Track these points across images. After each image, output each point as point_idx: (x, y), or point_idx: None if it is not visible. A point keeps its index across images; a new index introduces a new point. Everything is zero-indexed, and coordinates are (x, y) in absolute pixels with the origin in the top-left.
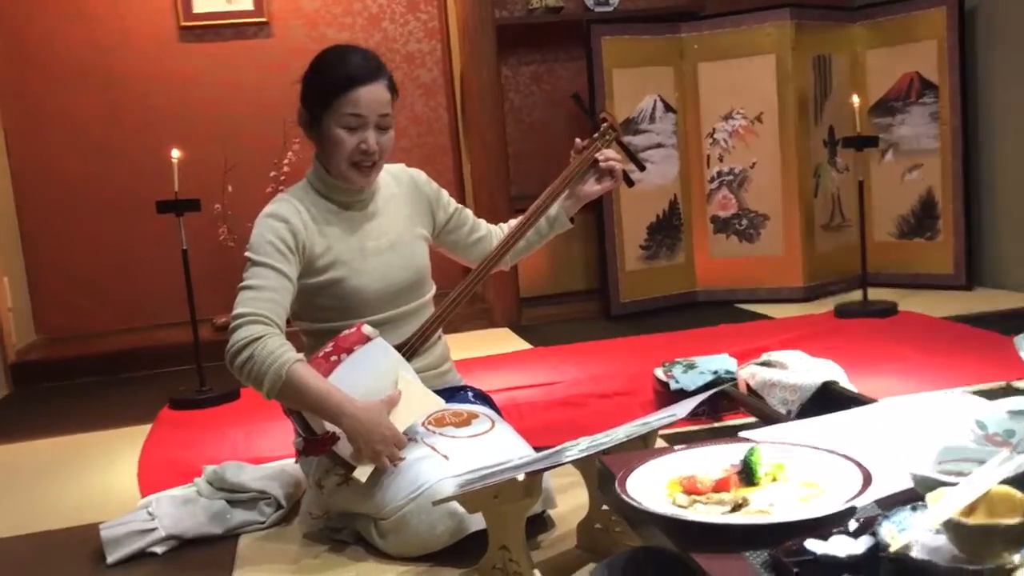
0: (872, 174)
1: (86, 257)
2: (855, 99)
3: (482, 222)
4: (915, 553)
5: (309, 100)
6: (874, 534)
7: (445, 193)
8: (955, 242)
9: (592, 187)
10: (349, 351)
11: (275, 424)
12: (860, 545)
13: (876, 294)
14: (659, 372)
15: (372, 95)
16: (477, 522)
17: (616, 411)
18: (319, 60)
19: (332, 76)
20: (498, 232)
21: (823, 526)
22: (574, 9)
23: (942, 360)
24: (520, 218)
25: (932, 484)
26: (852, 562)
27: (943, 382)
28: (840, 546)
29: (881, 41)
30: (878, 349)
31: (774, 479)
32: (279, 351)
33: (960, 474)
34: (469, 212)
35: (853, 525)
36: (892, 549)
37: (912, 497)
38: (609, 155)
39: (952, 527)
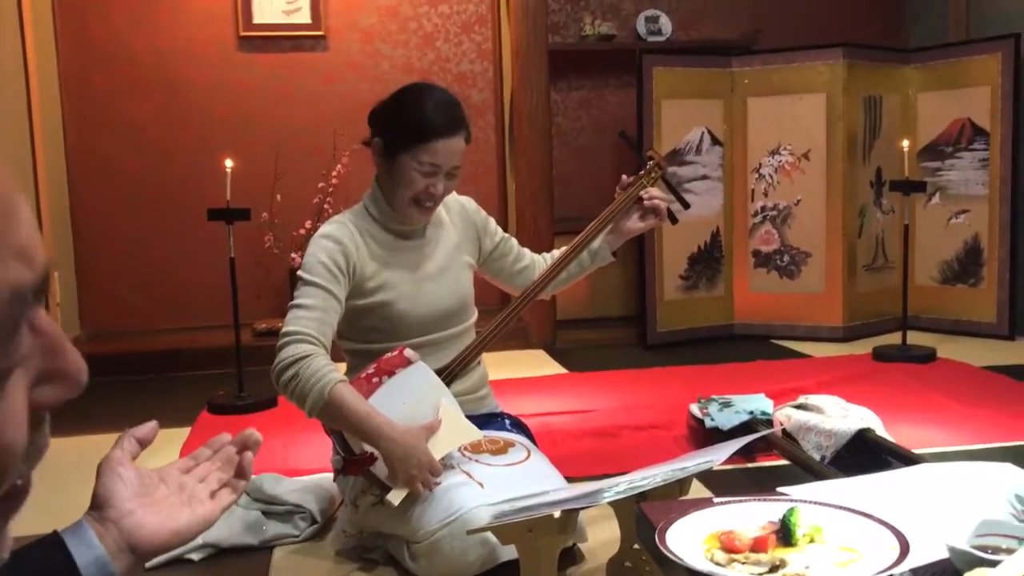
0: (917, 216)
1: (135, 256)
2: (905, 143)
3: (526, 251)
4: None
5: (387, 134)
6: None
7: (493, 222)
8: (999, 290)
9: (636, 224)
10: (391, 373)
11: (312, 436)
12: None
13: (915, 338)
14: (694, 408)
15: (451, 148)
16: (509, 552)
17: (650, 445)
18: (404, 98)
19: (416, 121)
20: (541, 262)
21: None
22: (626, 38)
23: (980, 412)
24: (563, 249)
25: (969, 559)
26: None
27: (980, 436)
28: None
29: (934, 84)
30: (916, 396)
31: (812, 540)
32: (323, 371)
33: (998, 549)
34: (515, 241)
35: None
36: None
37: (947, 568)
38: (654, 193)
39: None
